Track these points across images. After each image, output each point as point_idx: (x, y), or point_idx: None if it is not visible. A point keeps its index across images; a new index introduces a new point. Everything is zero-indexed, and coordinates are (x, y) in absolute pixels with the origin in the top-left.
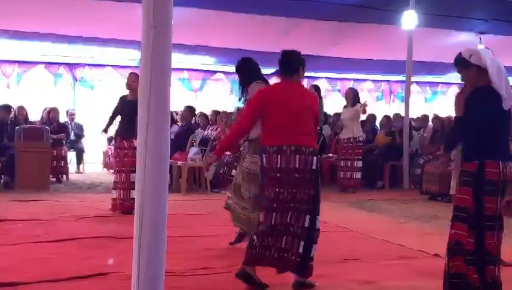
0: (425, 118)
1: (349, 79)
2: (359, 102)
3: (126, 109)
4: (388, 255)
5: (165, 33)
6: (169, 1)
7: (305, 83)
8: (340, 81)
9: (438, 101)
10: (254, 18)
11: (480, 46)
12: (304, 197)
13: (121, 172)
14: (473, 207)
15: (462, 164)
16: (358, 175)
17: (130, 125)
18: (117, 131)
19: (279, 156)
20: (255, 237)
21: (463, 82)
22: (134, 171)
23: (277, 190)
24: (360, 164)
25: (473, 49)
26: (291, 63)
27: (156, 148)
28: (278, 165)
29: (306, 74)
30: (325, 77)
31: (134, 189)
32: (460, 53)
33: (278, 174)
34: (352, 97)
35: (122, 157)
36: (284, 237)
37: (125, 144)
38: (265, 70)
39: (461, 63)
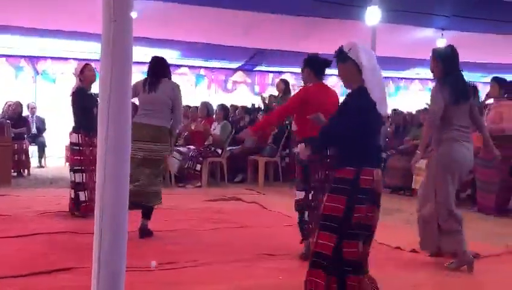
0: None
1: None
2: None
3: (88, 103)
4: None
5: (126, 26)
6: None
7: (271, 77)
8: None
9: (401, 96)
10: (219, 12)
11: (442, 41)
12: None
13: (88, 171)
14: (342, 216)
15: (335, 171)
16: None
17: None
18: (79, 126)
19: None
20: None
21: (340, 77)
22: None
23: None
24: None
25: (354, 43)
26: (324, 67)
27: (117, 142)
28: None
29: (271, 69)
30: (291, 72)
31: None
32: (342, 45)
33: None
34: (283, 88)
35: (88, 155)
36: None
37: (89, 140)
38: (230, 64)
39: (339, 56)
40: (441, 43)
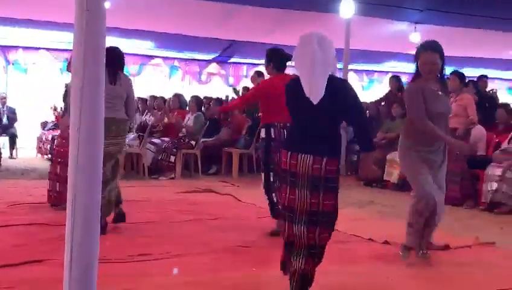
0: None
1: (289, 66)
2: None
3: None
4: None
5: (99, 16)
6: None
7: (245, 69)
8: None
9: (375, 89)
10: (194, 3)
11: (415, 35)
12: None
13: (62, 163)
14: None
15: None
16: None
17: None
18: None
19: (283, 130)
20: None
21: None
22: None
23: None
24: None
25: (303, 35)
26: (285, 61)
27: (90, 134)
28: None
29: (246, 60)
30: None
31: None
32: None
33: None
34: (256, 77)
35: (67, 147)
36: None
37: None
38: (205, 56)
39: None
40: (414, 37)
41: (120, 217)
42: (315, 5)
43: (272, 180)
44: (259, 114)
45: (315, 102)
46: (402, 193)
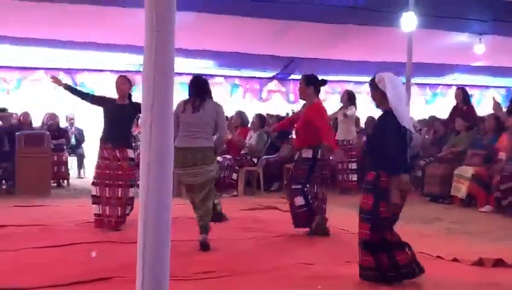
0: (429, 119)
1: (349, 81)
2: (354, 104)
3: (118, 115)
4: None
5: (168, 37)
6: (172, 4)
7: None
8: (339, 83)
9: (438, 102)
10: (253, 21)
11: (479, 47)
12: None
13: (114, 186)
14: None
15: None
16: (354, 177)
17: (124, 133)
18: (107, 138)
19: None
20: None
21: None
22: (132, 186)
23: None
24: (354, 165)
25: (383, 76)
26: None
27: (160, 153)
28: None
29: None
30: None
31: (129, 205)
32: (375, 76)
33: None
34: (347, 99)
35: (115, 169)
36: None
37: (118, 154)
38: (265, 74)
39: (372, 84)
40: (479, 48)
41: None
42: (376, 19)
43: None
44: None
45: (412, 130)
46: (469, 209)
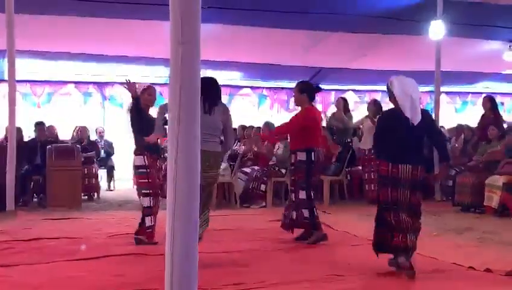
0: (459, 128)
1: (377, 91)
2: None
3: (144, 124)
4: (422, 268)
5: (194, 49)
6: (197, 17)
7: (333, 95)
8: (368, 93)
9: (468, 111)
10: (280, 32)
11: (510, 54)
12: None
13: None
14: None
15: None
16: None
17: (134, 141)
18: (143, 148)
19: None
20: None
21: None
22: (145, 195)
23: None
24: None
25: (394, 77)
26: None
27: (187, 166)
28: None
29: (333, 87)
30: (352, 89)
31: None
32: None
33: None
34: (376, 109)
35: (155, 177)
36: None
37: (153, 162)
38: (292, 84)
39: (387, 89)
40: (509, 55)
41: None
42: (404, 28)
43: (312, 197)
44: (350, 140)
45: (415, 123)
46: (502, 219)
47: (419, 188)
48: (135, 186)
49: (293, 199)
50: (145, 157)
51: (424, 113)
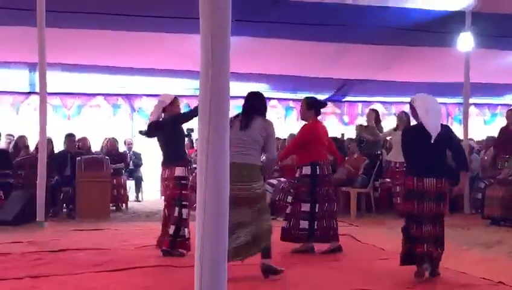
0: (488, 140)
1: (405, 102)
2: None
3: (160, 136)
4: (451, 283)
5: (223, 69)
6: (226, 36)
7: (360, 107)
8: (395, 105)
9: (498, 123)
10: (306, 44)
11: None
12: None
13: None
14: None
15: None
16: None
17: (167, 152)
18: (185, 159)
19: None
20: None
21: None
22: (183, 205)
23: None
24: None
25: (418, 95)
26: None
27: (216, 178)
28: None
29: (360, 99)
30: (380, 101)
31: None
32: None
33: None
34: (406, 120)
35: (166, 188)
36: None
37: (166, 173)
38: (319, 96)
39: (410, 104)
40: None
41: (272, 271)
42: (432, 40)
43: (316, 211)
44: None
45: (437, 138)
46: None
47: (444, 200)
48: (164, 197)
49: (288, 211)
50: (186, 168)
51: (444, 127)
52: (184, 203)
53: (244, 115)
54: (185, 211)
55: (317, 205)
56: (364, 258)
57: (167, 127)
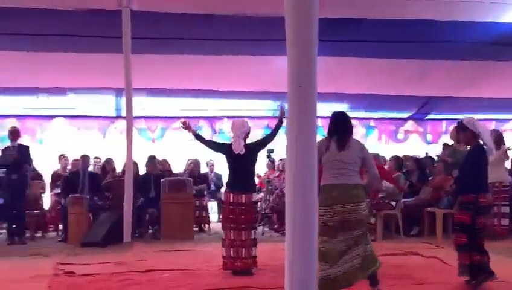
0: None
1: (491, 120)
2: (504, 144)
3: (239, 163)
4: None
5: (311, 91)
6: (313, 57)
7: (444, 125)
8: (481, 122)
9: None
10: (387, 62)
11: None
12: None
13: (238, 229)
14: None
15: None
16: (506, 221)
17: (247, 179)
18: (230, 186)
19: None
20: None
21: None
22: (255, 228)
23: None
24: (507, 209)
25: (470, 118)
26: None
27: (304, 206)
28: None
29: (443, 116)
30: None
31: (255, 246)
32: (462, 120)
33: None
34: (496, 140)
35: (238, 213)
36: None
37: (243, 199)
38: (400, 114)
39: (461, 126)
40: None
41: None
42: None
43: None
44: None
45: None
46: None
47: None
48: (232, 221)
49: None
50: (227, 195)
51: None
52: (255, 225)
53: (339, 136)
54: (255, 232)
55: None
56: (452, 281)
57: (251, 154)
